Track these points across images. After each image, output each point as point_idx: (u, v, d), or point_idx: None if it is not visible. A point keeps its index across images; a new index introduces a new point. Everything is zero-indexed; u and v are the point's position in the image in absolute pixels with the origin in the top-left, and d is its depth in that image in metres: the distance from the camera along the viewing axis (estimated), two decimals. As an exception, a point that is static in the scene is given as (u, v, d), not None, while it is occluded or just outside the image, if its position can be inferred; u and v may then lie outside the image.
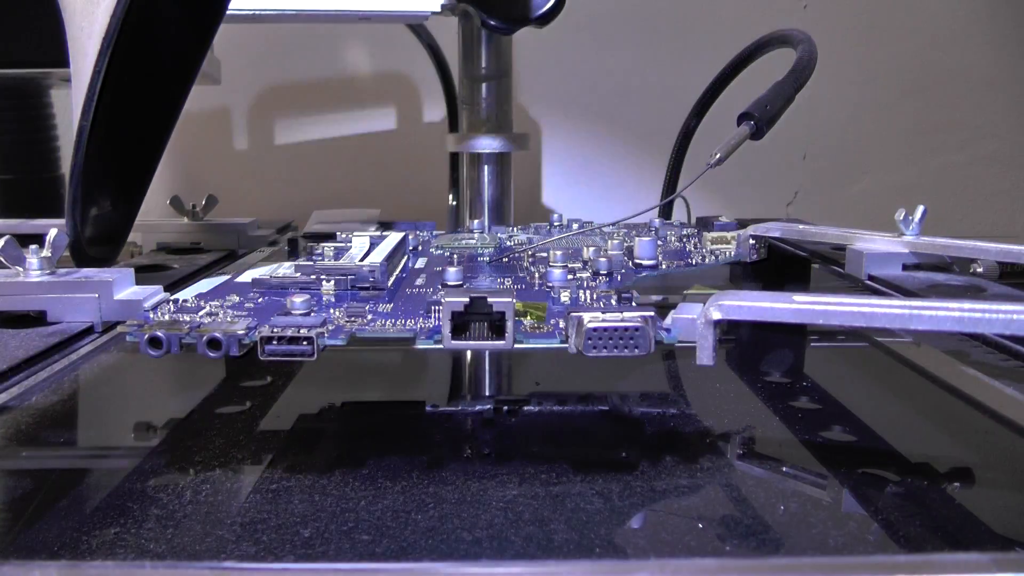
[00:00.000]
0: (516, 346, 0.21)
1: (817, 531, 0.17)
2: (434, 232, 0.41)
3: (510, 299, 0.21)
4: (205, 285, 0.30)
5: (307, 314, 0.23)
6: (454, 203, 0.56)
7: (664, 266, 0.32)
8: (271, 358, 0.21)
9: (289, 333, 0.21)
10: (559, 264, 0.29)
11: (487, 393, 0.28)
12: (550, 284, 0.28)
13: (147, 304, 0.27)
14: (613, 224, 0.42)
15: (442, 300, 0.21)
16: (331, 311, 0.24)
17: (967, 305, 0.18)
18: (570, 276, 0.29)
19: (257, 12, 0.43)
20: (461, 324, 0.21)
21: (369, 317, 0.24)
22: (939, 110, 0.67)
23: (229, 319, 0.23)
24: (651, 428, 0.23)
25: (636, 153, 0.67)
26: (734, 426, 0.24)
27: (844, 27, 0.65)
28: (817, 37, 0.42)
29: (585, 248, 0.32)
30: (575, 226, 0.43)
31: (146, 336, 0.21)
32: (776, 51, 0.46)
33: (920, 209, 0.32)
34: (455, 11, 0.45)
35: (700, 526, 0.18)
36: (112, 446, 0.24)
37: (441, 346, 0.21)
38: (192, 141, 0.65)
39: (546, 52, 0.65)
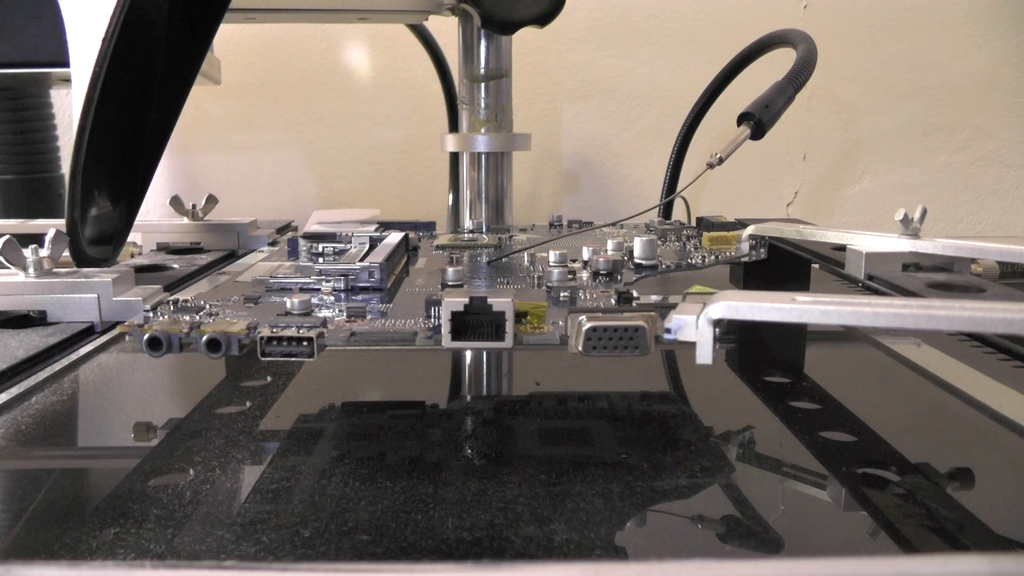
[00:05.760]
0: (516, 346, 0.21)
1: (817, 531, 0.17)
2: (434, 232, 0.41)
3: (510, 299, 0.21)
4: (205, 285, 0.30)
5: (307, 314, 0.23)
6: (454, 203, 0.56)
7: (664, 266, 0.32)
8: (271, 358, 0.21)
9: (289, 333, 0.21)
10: (558, 264, 0.29)
11: (487, 393, 0.28)
12: (550, 284, 0.28)
13: (147, 304, 0.27)
14: (613, 224, 0.42)
15: (442, 300, 0.21)
16: (331, 311, 0.24)
17: (967, 305, 0.18)
18: (570, 276, 0.29)
19: (257, 12, 0.43)
20: (461, 324, 0.21)
21: (369, 317, 0.24)
22: (939, 110, 0.67)
23: (229, 319, 0.23)
24: (651, 428, 0.23)
25: (636, 153, 0.67)
26: (734, 426, 0.24)
27: (844, 27, 0.65)
28: (817, 37, 0.42)
29: (585, 248, 0.32)
30: (575, 226, 0.43)
31: (146, 336, 0.21)
32: (776, 51, 0.46)
33: (920, 209, 0.32)
34: (455, 11, 0.45)
35: (700, 526, 0.18)
36: (112, 446, 0.24)
37: (441, 346, 0.21)
38: (192, 141, 0.65)
39: (546, 52, 0.65)
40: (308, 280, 0.28)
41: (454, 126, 0.56)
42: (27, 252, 0.28)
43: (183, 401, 0.27)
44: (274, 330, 0.21)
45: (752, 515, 0.18)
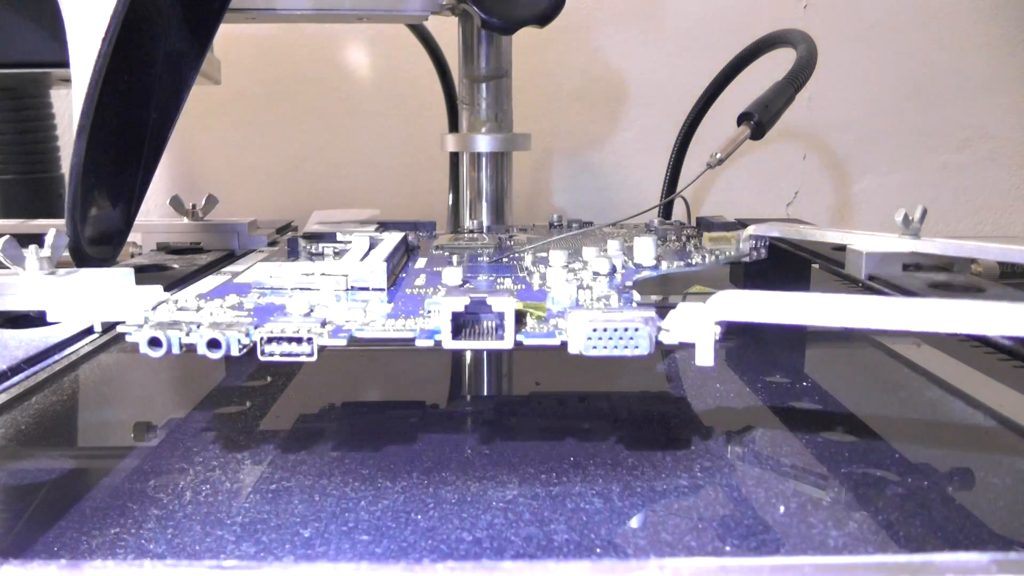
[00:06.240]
0: (516, 346, 0.21)
1: (817, 531, 0.17)
2: (434, 232, 0.41)
3: (510, 299, 0.21)
4: (205, 285, 0.30)
5: (307, 314, 0.23)
6: (454, 203, 0.56)
7: (664, 266, 0.32)
8: (271, 358, 0.21)
9: (289, 333, 0.21)
10: (559, 264, 0.29)
11: (487, 393, 0.28)
12: (550, 284, 0.28)
13: (147, 304, 0.27)
14: (613, 224, 0.42)
15: (442, 300, 0.21)
16: (331, 311, 0.24)
17: (967, 305, 0.18)
18: (570, 276, 0.29)
19: (257, 12, 0.43)
20: (461, 324, 0.21)
21: (369, 317, 0.24)
22: (939, 110, 0.67)
23: (229, 319, 0.23)
24: (651, 428, 0.23)
25: (636, 153, 0.67)
26: (734, 426, 0.24)
27: (844, 27, 0.65)
28: (817, 37, 0.42)
29: (585, 248, 0.32)
30: (575, 226, 0.43)
31: (146, 336, 0.21)
32: (776, 51, 0.46)
33: (920, 209, 0.32)
34: (455, 11, 0.45)
35: (700, 526, 0.18)
36: (112, 446, 0.24)
37: (441, 346, 0.21)
38: (192, 141, 0.65)
39: (546, 51, 0.65)
40: (308, 280, 0.28)
41: (454, 126, 0.56)
42: (27, 252, 0.28)
43: (183, 401, 0.27)
44: (274, 330, 0.21)
45: (752, 515, 0.18)
